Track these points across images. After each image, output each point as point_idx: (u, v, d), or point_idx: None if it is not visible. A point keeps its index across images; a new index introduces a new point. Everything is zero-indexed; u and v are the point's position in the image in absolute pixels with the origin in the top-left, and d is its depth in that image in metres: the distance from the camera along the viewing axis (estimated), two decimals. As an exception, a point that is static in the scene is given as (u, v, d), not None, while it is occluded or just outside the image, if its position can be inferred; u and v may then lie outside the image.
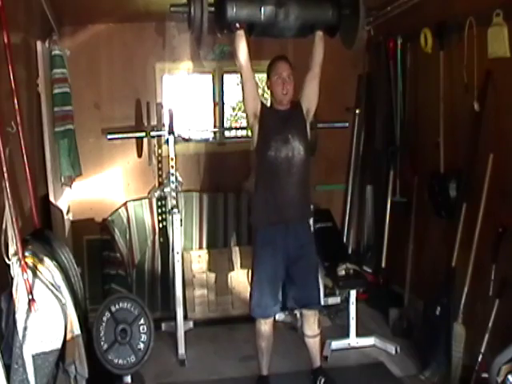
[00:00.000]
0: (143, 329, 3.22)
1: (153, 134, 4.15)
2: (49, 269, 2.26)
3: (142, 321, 3.23)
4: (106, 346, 3.15)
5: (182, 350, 3.84)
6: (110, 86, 4.49)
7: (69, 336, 2.30)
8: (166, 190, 4.29)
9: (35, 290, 2.13)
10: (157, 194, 4.50)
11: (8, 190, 2.06)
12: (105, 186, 4.55)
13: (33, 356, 2.09)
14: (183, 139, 4.36)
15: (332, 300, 4.44)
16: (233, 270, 4.55)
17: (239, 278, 4.52)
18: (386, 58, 4.38)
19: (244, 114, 6.79)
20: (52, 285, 2.23)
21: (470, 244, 3.29)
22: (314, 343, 3.37)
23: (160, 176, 4.52)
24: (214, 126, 4.91)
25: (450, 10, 3.58)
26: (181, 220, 3.91)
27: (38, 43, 3.39)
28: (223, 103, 4.90)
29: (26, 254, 2.17)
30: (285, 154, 3.13)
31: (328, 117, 4.22)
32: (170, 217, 3.98)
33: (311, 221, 3.68)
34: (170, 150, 4.00)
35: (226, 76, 4.85)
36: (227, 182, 4.71)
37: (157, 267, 4.51)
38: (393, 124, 4.33)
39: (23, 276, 2.09)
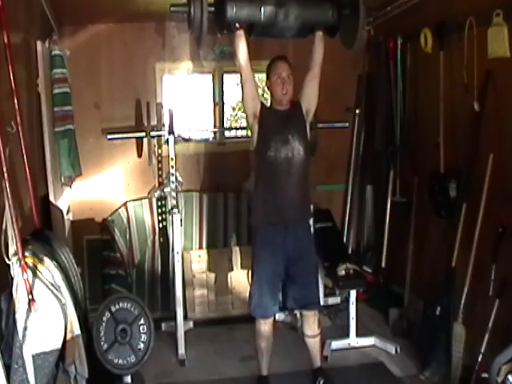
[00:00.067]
0: (143, 329, 3.22)
1: (153, 133, 4.15)
2: (49, 269, 2.26)
3: (142, 321, 3.23)
4: (106, 346, 3.15)
5: (181, 349, 3.84)
6: (110, 86, 4.49)
7: (69, 336, 2.30)
8: (166, 190, 4.29)
9: (35, 290, 2.13)
10: (157, 194, 4.50)
11: (8, 190, 2.06)
12: (105, 186, 4.55)
13: (33, 356, 2.09)
14: (183, 139, 4.36)
15: (332, 300, 4.44)
16: (233, 270, 4.55)
17: (239, 278, 4.52)
18: (386, 58, 4.38)
19: (244, 114, 6.78)
20: (52, 285, 2.23)
21: (470, 244, 3.29)
22: (314, 343, 3.37)
23: (160, 176, 4.52)
24: (214, 126, 4.91)
25: (450, 10, 3.58)
26: (181, 220, 3.91)
27: (38, 43, 3.39)
28: (223, 103, 4.90)
29: (26, 254, 2.17)
30: (284, 154, 3.13)
31: (328, 117, 4.22)
32: (170, 217, 3.98)
33: (311, 221, 3.68)
34: (170, 150, 4.00)
35: (226, 76, 4.85)
36: (227, 182, 4.71)
37: (157, 267, 4.51)
38: (393, 124, 4.34)
39: (23, 276, 2.09)
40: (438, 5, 3.73)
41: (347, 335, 3.94)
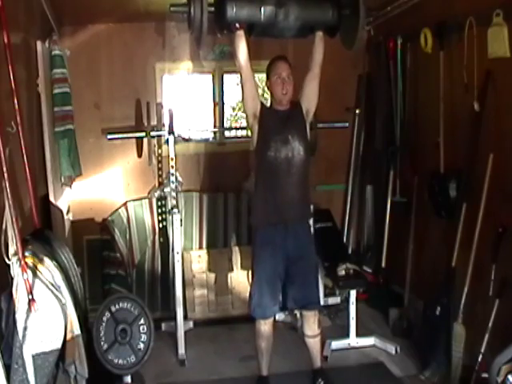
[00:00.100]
0: (143, 329, 3.22)
1: (153, 133, 4.15)
2: (49, 269, 2.26)
3: (142, 321, 3.23)
4: (106, 346, 3.15)
5: (182, 350, 3.84)
6: (110, 86, 4.49)
7: (69, 336, 2.30)
8: (166, 190, 4.29)
9: (35, 290, 2.13)
10: (157, 194, 4.50)
11: (8, 190, 2.06)
12: (105, 186, 4.55)
13: (33, 356, 2.09)
14: (183, 139, 4.36)
15: (332, 300, 4.44)
16: (233, 270, 4.54)
17: (239, 278, 4.52)
18: (386, 58, 4.38)
19: (244, 114, 6.78)
20: (52, 285, 2.23)
21: (470, 244, 3.29)
22: (314, 343, 3.37)
23: (160, 176, 4.52)
24: (214, 126, 4.91)
25: (450, 10, 3.58)
26: (181, 220, 3.91)
27: (38, 43, 3.39)
28: (223, 103, 4.90)
29: (26, 254, 2.17)
30: (284, 154, 3.13)
31: (328, 117, 4.22)
32: (170, 217, 3.98)
33: (311, 221, 3.68)
34: (170, 150, 4.00)
35: (226, 76, 4.85)
36: (227, 182, 4.71)
37: (157, 267, 4.51)
38: (393, 124, 4.34)
39: (23, 276, 2.09)
40: (438, 5, 3.73)
41: (347, 335, 3.94)
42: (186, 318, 4.12)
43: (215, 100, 4.83)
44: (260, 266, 3.21)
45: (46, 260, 2.28)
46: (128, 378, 3.27)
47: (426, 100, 4.07)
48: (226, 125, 7.09)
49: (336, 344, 3.89)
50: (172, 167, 4.01)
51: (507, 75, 3.09)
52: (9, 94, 2.35)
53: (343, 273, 3.91)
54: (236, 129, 7.80)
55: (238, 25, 3.07)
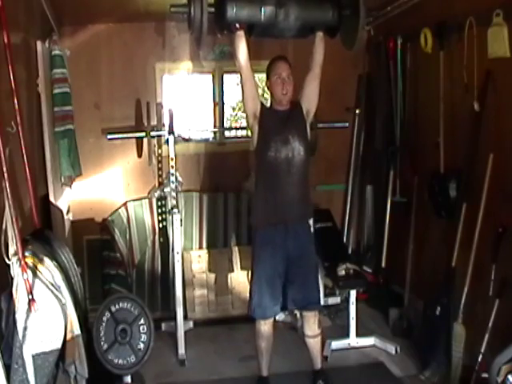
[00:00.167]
0: (143, 329, 3.22)
1: (153, 134, 4.15)
2: (49, 269, 2.26)
3: (142, 321, 3.23)
4: (106, 346, 3.15)
5: (182, 350, 3.84)
6: (110, 86, 4.49)
7: (69, 336, 2.30)
8: (166, 190, 4.29)
9: (35, 290, 2.13)
10: (157, 194, 4.50)
11: (8, 189, 2.06)
12: (105, 186, 4.55)
13: (33, 356, 2.09)
14: (183, 139, 4.36)
15: (332, 300, 4.44)
16: (233, 270, 4.55)
17: (239, 278, 4.52)
18: (386, 58, 4.38)
19: (244, 114, 6.79)
20: (52, 285, 2.23)
21: (470, 244, 3.29)
22: (314, 343, 3.36)
23: (160, 176, 4.52)
24: (214, 126, 4.91)
25: (450, 10, 3.58)
26: (181, 220, 3.91)
27: (38, 43, 3.39)
28: (223, 103, 4.90)
29: (26, 254, 2.17)
30: (285, 154, 3.13)
31: (328, 117, 4.22)
32: (170, 217, 3.98)
33: (311, 221, 3.68)
34: (170, 149, 4.00)
35: (226, 76, 4.85)
36: (227, 182, 4.71)
37: (157, 267, 4.51)
38: (393, 124, 4.34)
39: (23, 276, 2.09)
40: (438, 5, 3.73)
41: (347, 335, 3.94)
42: (185, 317, 4.12)
43: (215, 100, 4.83)
44: (260, 266, 3.21)
45: (46, 260, 2.28)
46: (128, 378, 3.27)
47: (425, 100, 4.07)
48: (226, 125, 7.09)
49: (336, 344, 3.89)
50: (172, 167, 4.01)
51: (507, 75, 3.09)
52: (9, 94, 2.35)
53: (343, 273, 3.91)
54: (236, 129, 7.81)
55: (238, 25, 3.07)
